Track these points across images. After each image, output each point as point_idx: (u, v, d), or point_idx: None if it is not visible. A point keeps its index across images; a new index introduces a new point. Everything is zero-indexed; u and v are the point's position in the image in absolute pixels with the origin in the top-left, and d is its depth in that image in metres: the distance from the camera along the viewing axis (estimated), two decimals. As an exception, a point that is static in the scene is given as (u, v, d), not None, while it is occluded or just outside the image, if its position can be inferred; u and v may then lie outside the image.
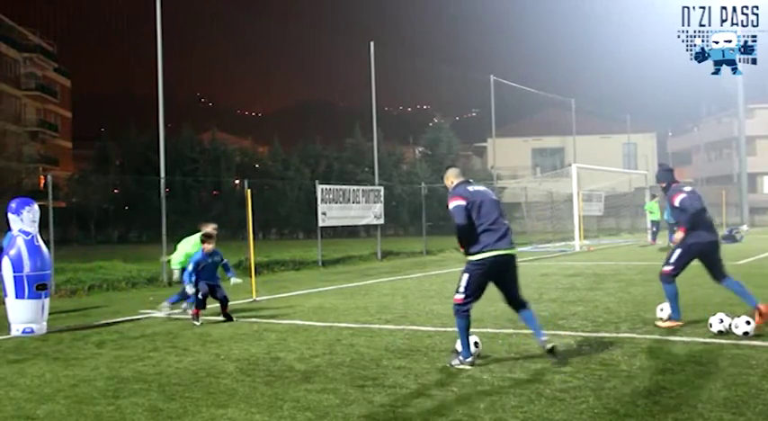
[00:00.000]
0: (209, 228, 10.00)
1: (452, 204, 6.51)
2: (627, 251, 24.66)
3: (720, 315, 7.67)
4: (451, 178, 6.80)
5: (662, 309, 8.54)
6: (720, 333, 7.47)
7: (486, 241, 6.37)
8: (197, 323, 9.36)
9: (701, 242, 8.16)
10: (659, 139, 71.74)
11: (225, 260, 10.10)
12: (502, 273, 6.50)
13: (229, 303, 9.80)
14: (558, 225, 32.62)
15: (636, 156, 64.34)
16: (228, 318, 9.67)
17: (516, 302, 6.63)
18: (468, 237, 6.41)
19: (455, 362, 6.45)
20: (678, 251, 8.32)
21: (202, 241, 9.87)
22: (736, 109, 53.50)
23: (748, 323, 7.36)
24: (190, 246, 10.81)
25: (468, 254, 6.47)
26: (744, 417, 4.73)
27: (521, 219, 33.20)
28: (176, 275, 11.26)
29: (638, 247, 26.33)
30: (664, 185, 8.61)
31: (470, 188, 6.64)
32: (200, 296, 9.46)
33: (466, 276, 6.46)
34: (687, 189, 8.50)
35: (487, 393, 5.49)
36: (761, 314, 7.81)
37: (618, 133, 60.00)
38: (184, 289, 10.05)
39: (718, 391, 5.35)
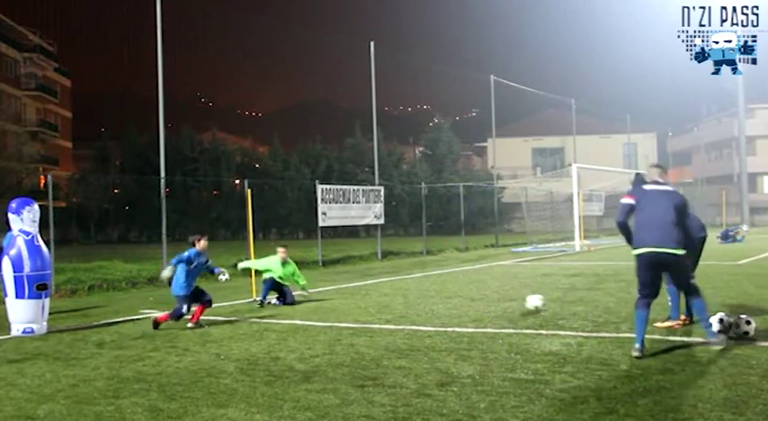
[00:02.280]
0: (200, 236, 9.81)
1: (620, 201, 7.05)
2: (627, 251, 24.54)
3: (720, 315, 7.65)
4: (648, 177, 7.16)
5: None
6: (720, 333, 7.46)
7: (639, 237, 6.82)
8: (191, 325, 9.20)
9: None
10: (659, 139, 71.71)
11: (209, 261, 9.88)
12: (662, 268, 6.88)
13: (232, 303, 9.74)
14: (558, 225, 32.62)
15: (636, 156, 64.29)
16: (198, 325, 9.23)
17: (685, 292, 7.18)
18: (624, 233, 7.06)
19: (634, 352, 6.58)
20: None
21: (198, 239, 9.65)
22: (736, 109, 53.63)
23: (748, 323, 7.36)
24: (269, 262, 11.98)
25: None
26: (744, 417, 4.73)
27: (521, 219, 33.20)
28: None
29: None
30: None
31: (647, 187, 6.97)
32: (184, 312, 9.26)
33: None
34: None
35: (487, 393, 5.49)
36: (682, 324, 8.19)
37: (618, 133, 59.99)
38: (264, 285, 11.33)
39: (718, 391, 5.34)
